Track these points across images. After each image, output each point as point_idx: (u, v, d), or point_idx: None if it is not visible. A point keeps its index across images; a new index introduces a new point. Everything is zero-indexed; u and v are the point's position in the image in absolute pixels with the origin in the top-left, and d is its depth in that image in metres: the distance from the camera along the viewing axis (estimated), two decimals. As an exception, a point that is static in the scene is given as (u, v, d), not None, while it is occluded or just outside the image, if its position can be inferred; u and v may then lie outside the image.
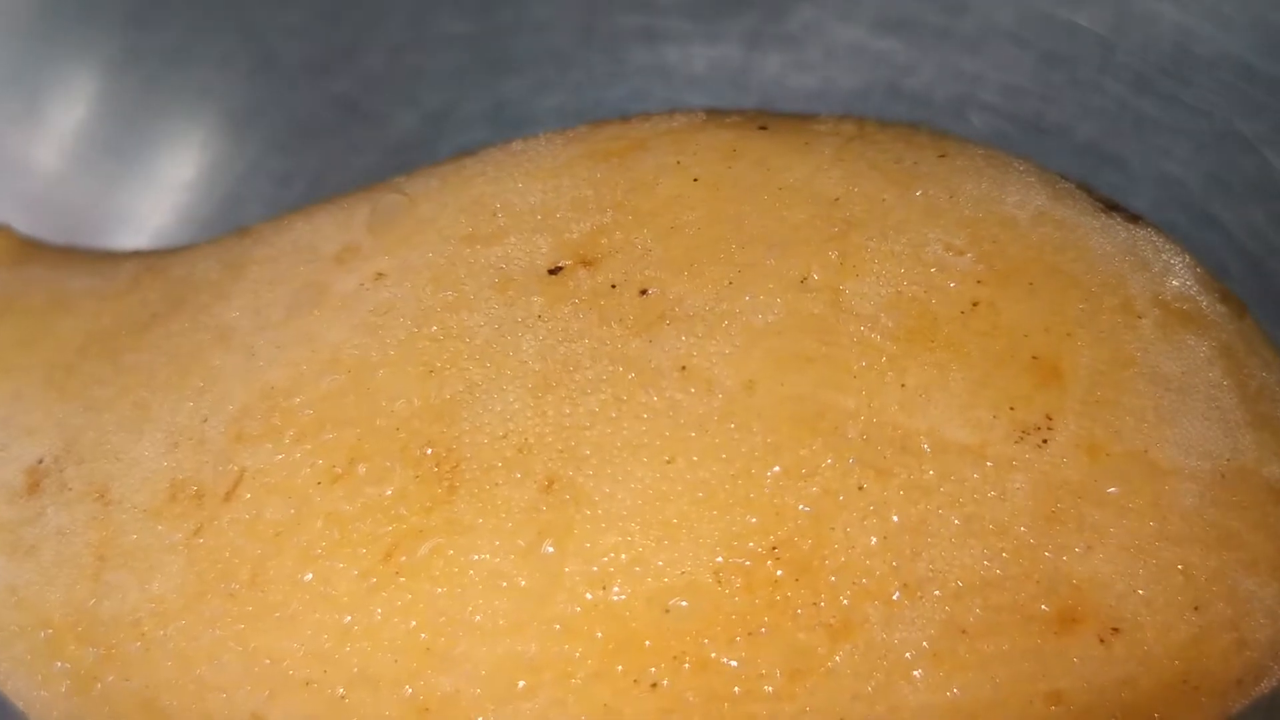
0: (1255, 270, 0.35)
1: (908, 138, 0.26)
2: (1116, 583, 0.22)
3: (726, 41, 0.40)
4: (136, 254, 0.32)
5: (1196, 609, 0.23)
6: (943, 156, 0.26)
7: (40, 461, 0.27)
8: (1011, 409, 0.22)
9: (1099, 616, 0.22)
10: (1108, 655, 0.23)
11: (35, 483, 0.27)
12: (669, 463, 0.22)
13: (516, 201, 0.26)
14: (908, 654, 0.22)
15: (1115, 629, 0.23)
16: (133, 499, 0.25)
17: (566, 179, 0.26)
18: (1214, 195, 0.37)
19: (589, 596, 0.22)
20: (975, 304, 0.23)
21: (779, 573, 0.22)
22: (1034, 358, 0.23)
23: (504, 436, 0.23)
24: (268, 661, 0.23)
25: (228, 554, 0.24)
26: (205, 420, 0.25)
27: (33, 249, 0.34)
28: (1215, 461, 0.23)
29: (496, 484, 0.23)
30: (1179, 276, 0.25)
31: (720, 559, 0.22)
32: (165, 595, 0.24)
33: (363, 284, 0.26)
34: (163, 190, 0.43)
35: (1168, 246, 0.26)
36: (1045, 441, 0.22)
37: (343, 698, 0.23)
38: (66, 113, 0.44)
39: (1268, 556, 0.24)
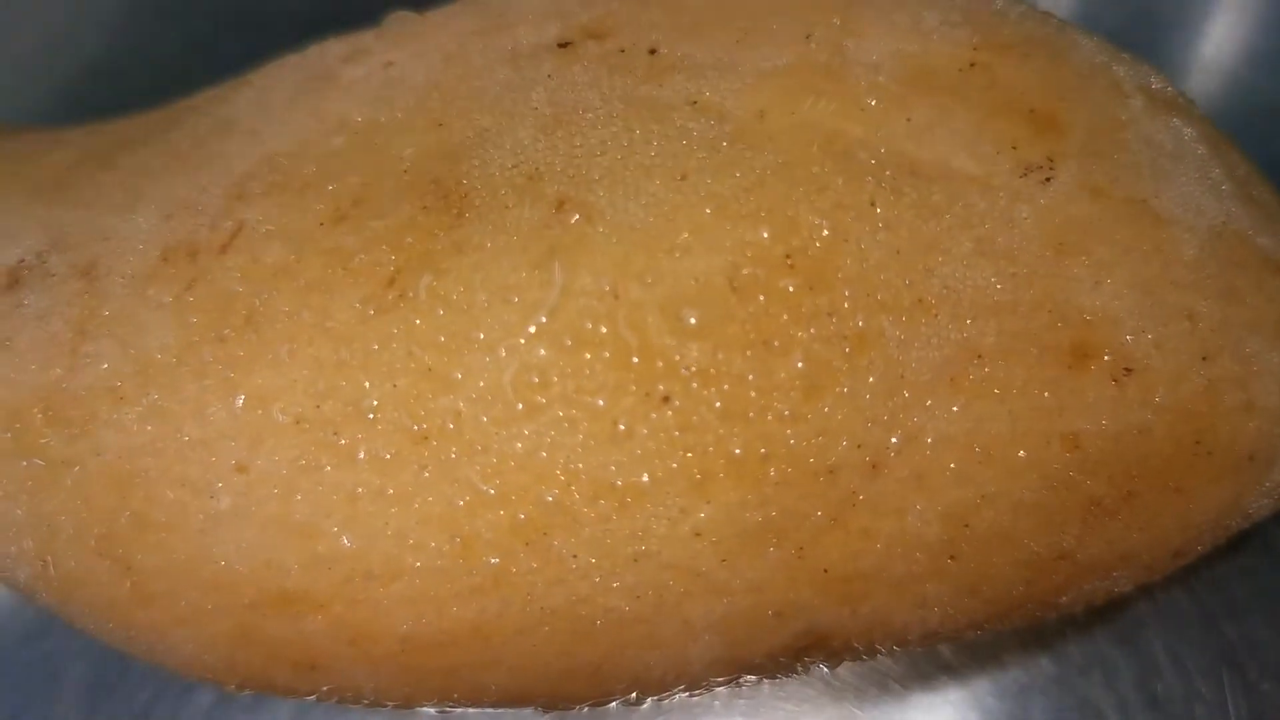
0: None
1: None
2: (1126, 320, 0.22)
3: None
4: (134, 115, 0.32)
5: (1205, 359, 0.23)
6: (936, -24, 0.27)
7: (21, 261, 0.26)
8: (1014, 148, 0.23)
9: (1111, 353, 0.22)
10: (1121, 396, 0.22)
11: (15, 280, 0.26)
12: (681, 179, 0.22)
13: (526, 3, 0.27)
14: (925, 377, 0.21)
15: (1128, 369, 0.22)
16: (120, 270, 0.24)
17: (575, -14, 0.27)
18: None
19: (600, 309, 0.21)
20: (972, 65, 0.24)
21: (792, 286, 0.21)
22: (1031, 110, 0.23)
23: (514, 167, 0.23)
24: (259, 411, 0.22)
25: (222, 302, 0.23)
26: (204, 190, 0.25)
27: (27, 126, 0.34)
28: (1211, 221, 0.24)
29: (506, 207, 0.22)
30: (1162, 82, 0.26)
31: (733, 268, 0.21)
32: (149, 354, 0.23)
33: (371, 71, 0.26)
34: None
35: (1149, 66, 0.27)
36: (1049, 180, 0.23)
37: (335, 435, 0.22)
38: (68, 68, 0.45)
39: (1271, 321, 0.24)
